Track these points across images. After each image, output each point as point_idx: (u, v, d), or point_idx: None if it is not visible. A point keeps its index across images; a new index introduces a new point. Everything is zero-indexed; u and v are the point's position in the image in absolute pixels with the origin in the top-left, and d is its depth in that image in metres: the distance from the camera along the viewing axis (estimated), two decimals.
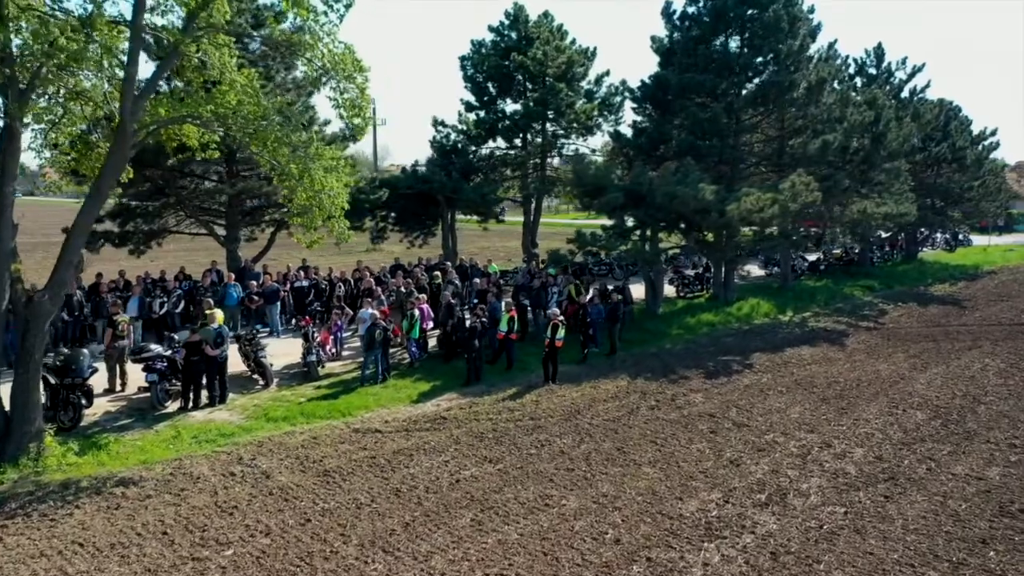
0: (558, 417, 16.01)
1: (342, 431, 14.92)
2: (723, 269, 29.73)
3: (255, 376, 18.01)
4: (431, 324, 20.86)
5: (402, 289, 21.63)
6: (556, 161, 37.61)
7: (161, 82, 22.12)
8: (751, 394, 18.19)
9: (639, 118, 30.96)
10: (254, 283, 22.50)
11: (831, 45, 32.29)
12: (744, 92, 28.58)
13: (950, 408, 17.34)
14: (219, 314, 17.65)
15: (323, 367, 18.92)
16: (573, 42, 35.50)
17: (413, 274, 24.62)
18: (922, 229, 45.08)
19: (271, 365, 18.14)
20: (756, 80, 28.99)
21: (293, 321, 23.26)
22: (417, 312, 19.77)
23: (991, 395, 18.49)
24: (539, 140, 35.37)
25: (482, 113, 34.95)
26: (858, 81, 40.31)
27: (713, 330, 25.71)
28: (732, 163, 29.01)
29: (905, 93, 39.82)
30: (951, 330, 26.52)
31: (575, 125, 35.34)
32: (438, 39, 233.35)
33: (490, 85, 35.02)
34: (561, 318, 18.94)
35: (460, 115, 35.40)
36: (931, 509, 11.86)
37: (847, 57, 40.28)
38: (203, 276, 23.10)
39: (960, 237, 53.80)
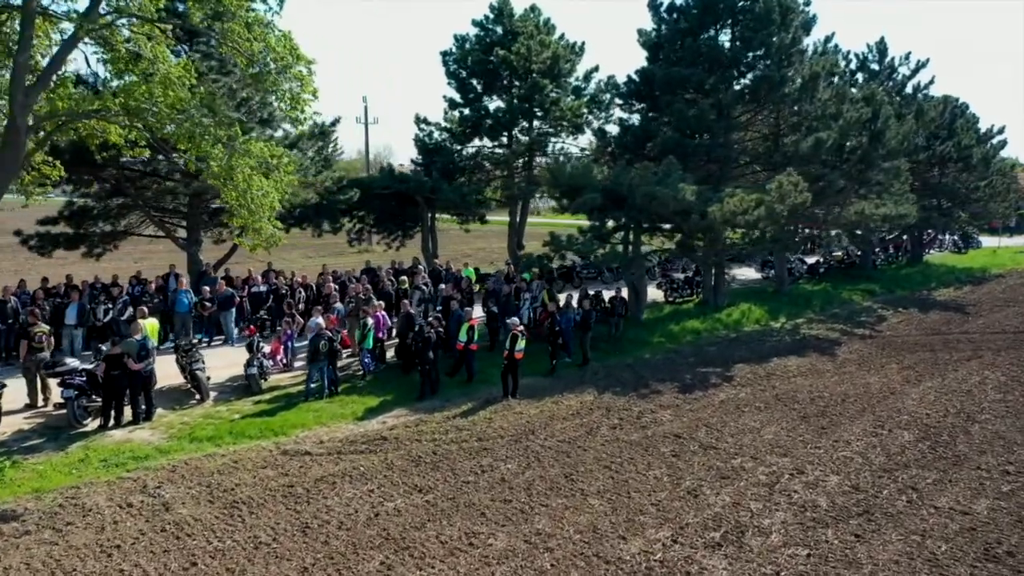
0: (508, 438, 14.71)
1: (269, 453, 13.68)
2: (713, 273, 28.36)
3: (192, 389, 16.81)
4: (390, 333, 19.58)
5: (360, 295, 20.40)
6: (545, 161, 36.27)
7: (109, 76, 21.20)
8: (725, 411, 16.82)
9: (626, 115, 29.66)
10: (207, 289, 21.31)
11: (828, 39, 31.00)
12: (734, 88, 27.18)
13: (941, 428, 15.94)
14: (150, 323, 16.51)
15: (267, 379, 17.70)
16: (561, 37, 34.22)
17: (379, 278, 23.41)
18: (929, 231, 43.42)
19: (208, 378, 16.93)
20: (749, 75, 27.60)
21: (236, 331, 21.92)
22: (371, 320, 18.53)
23: (987, 413, 17.07)
24: (525, 138, 34.09)
25: (466, 111, 33.69)
26: (860, 77, 38.82)
27: (698, 338, 24.34)
28: (722, 162, 27.64)
29: (908, 90, 38.31)
30: (951, 338, 25.05)
31: (564, 123, 34.04)
32: (444, 37, 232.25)
33: (474, 81, 33.75)
34: (521, 328, 17.60)
35: (446, 113, 34.22)
36: (906, 551, 10.49)
37: (848, 53, 38.96)
38: (153, 281, 21.87)
39: (970, 238, 52.19)
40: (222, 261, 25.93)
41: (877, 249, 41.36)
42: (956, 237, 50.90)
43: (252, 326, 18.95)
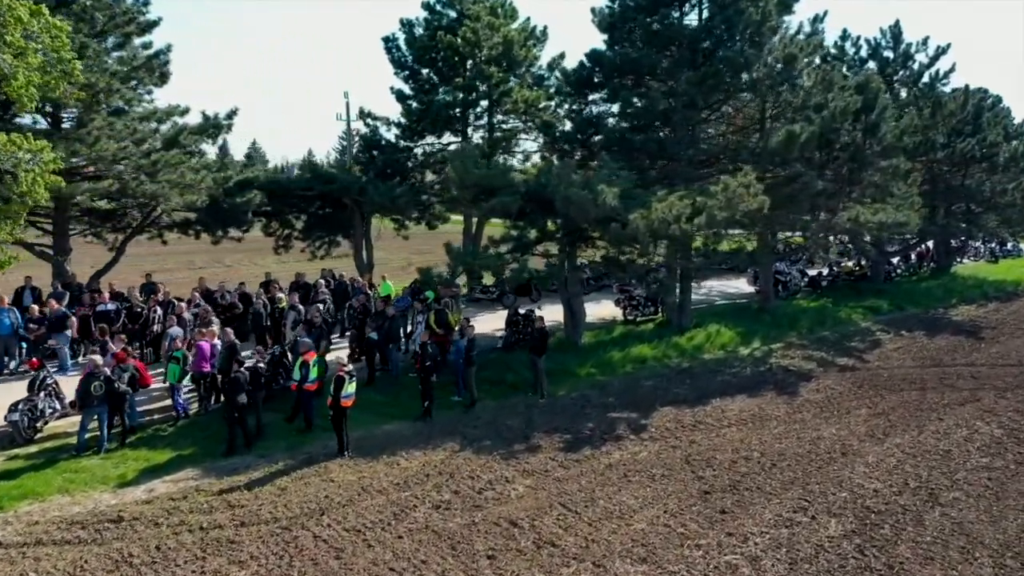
0: (280, 523, 11.03)
1: None
2: (677, 288, 24.24)
3: None
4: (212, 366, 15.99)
5: (202, 317, 17.00)
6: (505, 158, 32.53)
7: None
8: (605, 480, 12.92)
9: (575, 106, 25.73)
10: (35, 308, 18.13)
11: (817, 19, 26.49)
12: (692, 72, 23.04)
13: (886, 513, 11.85)
14: None
15: (42, 427, 14.25)
16: (527, 21, 30.62)
17: (255, 295, 20.00)
18: (962, 237, 38.33)
19: None
20: (715, 58, 23.44)
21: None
22: (189, 352, 15.07)
23: (960, 487, 12.90)
24: (481, 134, 30.51)
25: (414, 104, 30.15)
26: (872, 65, 34.25)
27: (640, 369, 20.35)
28: (683, 160, 23.53)
29: (926, 79, 33.69)
30: (950, 372, 20.65)
31: (524, 117, 30.34)
32: None
33: (425, 71, 30.27)
34: (349, 368, 13.84)
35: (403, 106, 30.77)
36: None
37: (859, 38, 34.42)
38: None
39: (1009, 246, 46.94)
40: (102, 272, 22.85)
41: (896, 259, 36.62)
42: (993, 245, 45.76)
43: (35, 358, 15.46)
